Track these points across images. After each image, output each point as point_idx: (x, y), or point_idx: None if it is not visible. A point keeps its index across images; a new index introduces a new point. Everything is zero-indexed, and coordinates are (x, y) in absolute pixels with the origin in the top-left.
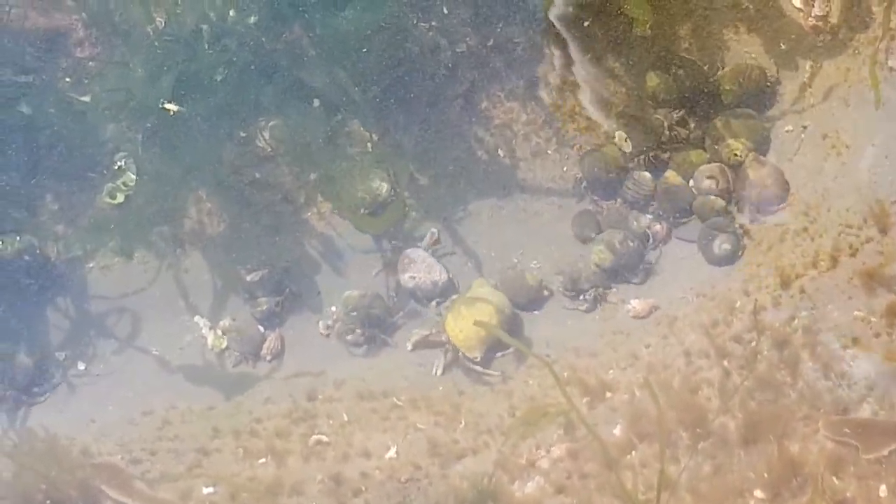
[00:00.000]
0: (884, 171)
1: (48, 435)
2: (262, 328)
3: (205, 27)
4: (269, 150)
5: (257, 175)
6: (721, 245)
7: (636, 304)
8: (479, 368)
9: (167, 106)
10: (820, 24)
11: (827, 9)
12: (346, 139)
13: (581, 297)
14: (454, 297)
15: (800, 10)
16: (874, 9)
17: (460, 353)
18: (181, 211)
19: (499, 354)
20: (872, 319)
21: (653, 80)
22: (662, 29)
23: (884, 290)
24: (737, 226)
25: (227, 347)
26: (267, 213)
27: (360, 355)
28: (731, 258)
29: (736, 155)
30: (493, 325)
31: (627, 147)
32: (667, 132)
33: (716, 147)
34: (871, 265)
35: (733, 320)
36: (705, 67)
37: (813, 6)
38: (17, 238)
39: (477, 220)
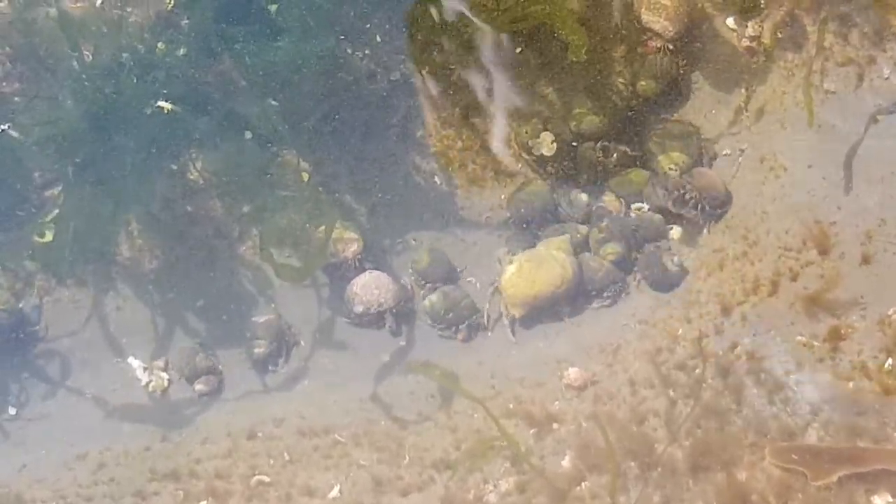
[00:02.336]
0: (822, 193)
1: None
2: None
3: (132, 60)
4: (202, 182)
5: (189, 208)
6: (672, 259)
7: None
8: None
9: (161, 104)
10: (753, 45)
11: (760, 29)
12: (280, 171)
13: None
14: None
15: (733, 30)
16: (808, 29)
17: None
18: (112, 247)
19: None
20: (815, 344)
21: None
22: (597, 53)
23: (826, 315)
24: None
25: (168, 386)
26: (200, 248)
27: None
28: (680, 276)
29: (672, 168)
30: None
31: (552, 150)
32: (599, 158)
33: (653, 166)
34: (812, 290)
35: (677, 348)
36: (627, 86)
37: (746, 27)
38: None
39: (416, 251)
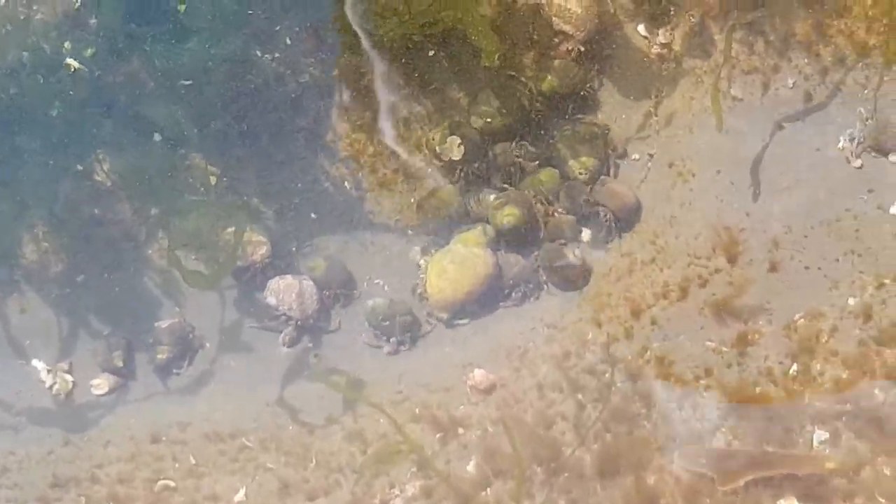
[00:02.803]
0: (730, 199)
1: None
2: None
3: (38, 60)
4: (109, 184)
5: (96, 211)
6: (574, 252)
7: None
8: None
9: (69, 62)
10: (664, 52)
11: (671, 37)
12: (188, 173)
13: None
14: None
15: (645, 38)
16: (716, 37)
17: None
18: (16, 249)
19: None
20: (724, 350)
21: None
22: (507, 59)
23: (734, 321)
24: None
25: (72, 389)
26: (107, 250)
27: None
28: (584, 271)
29: (581, 173)
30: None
31: (459, 153)
32: (516, 157)
33: (564, 169)
34: (720, 296)
35: (586, 352)
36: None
37: (657, 34)
38: None
39: (324, 254)
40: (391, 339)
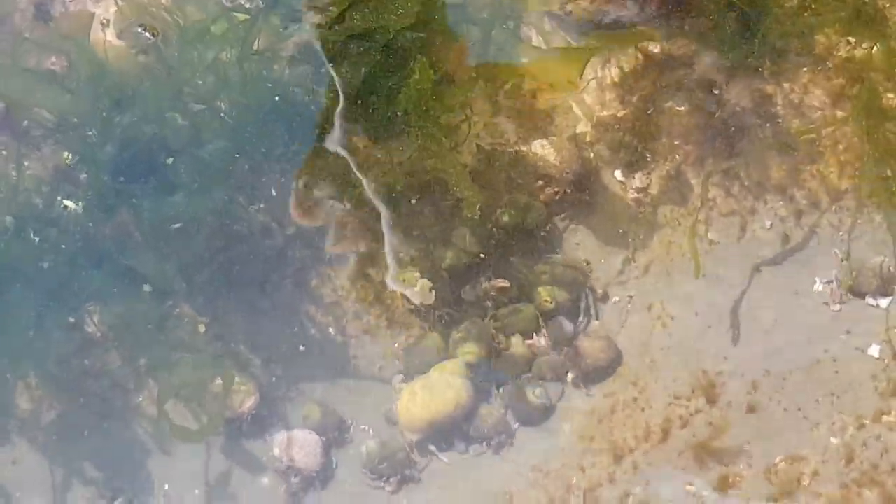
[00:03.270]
0: (708, 341)
1: None
2: None
3: (30, 215)
4: (99, 335)
5: (86, 362)
6: (534, 392)
7: None
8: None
9: (66, 203)
10: (640, 196)
11: (647, 181)
12: (177, 322)
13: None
14: None
15: (621, 182)
16: (692, 181)
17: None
18: (10, 400)
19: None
20: (704, 493)
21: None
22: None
23: (715, 463)
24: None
25: None
26: (97, 400)
27: None
28: (546, 411)
29: (546, 301)
30: None
31: (431, 298)
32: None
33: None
34: (701, 438)
35: (570, 498)
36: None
37: (634, 179)
38: None
39: (314, 399)
40: (391, 479)
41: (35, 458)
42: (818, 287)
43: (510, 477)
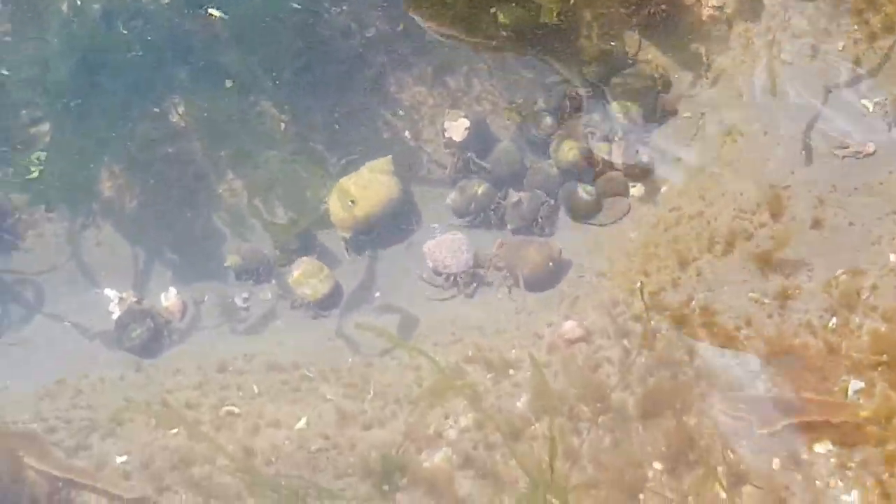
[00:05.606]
0: (776, 159)
1: None
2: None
3: (119, 6)
4: (183, 125)
5: (170, 150)
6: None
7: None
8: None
9: (211, 11)
10: (716, 14)
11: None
12: (258, 119)
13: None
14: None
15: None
16: (766, 1)
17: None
18: (95, 185)
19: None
20: (765, 301)
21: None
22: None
23: (775, 274)
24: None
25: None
26: (179, 188)
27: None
28: (594, 206)
29: (619, 114)
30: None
31: (462, 136)
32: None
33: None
34: (763, 249)
35: (633, 300)
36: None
37: None
38: None
39: None
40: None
41: (118, 242)
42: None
43: (575, 281)
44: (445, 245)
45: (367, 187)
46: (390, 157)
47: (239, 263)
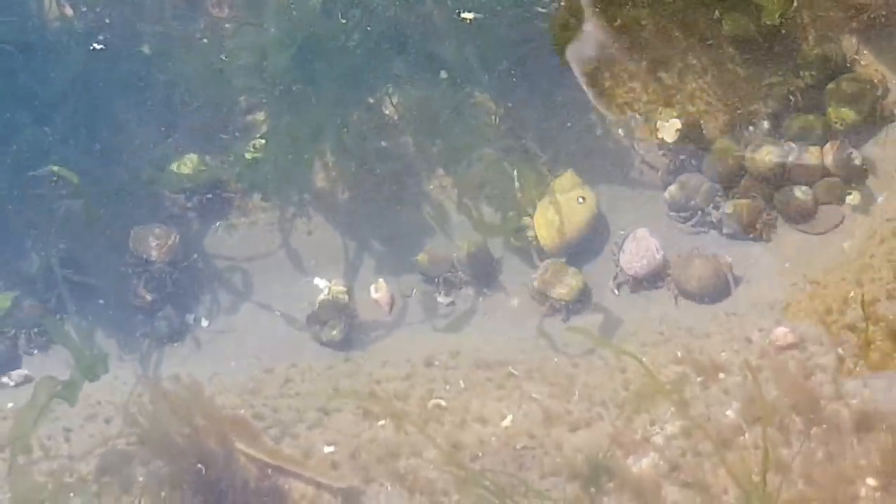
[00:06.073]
0: None
1: (193, 381)
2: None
3: None
4: (396, 117)
5: (383, 143)
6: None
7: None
8: None
9: (464, 15)
10: None
11: None
12: (472, 111)
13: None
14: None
15: None
16: None
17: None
18: (309, 174)
19: None
20: None
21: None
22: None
23: None
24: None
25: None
26: (389, 183)
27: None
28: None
29: (836, 122)
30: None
31: (674, 137)
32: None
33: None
34: None
35: (847, 310)
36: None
37: None
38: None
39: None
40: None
41: (329, 232)
42: None
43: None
44: (643, 245)
45: (564, 211)
46: (571, 170)
47: (426, 264)
